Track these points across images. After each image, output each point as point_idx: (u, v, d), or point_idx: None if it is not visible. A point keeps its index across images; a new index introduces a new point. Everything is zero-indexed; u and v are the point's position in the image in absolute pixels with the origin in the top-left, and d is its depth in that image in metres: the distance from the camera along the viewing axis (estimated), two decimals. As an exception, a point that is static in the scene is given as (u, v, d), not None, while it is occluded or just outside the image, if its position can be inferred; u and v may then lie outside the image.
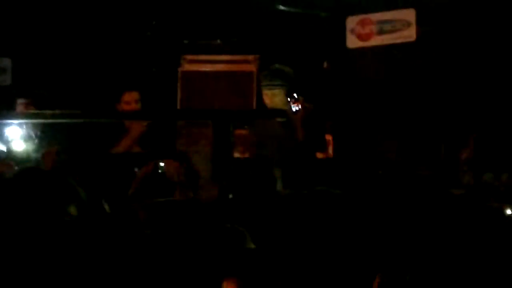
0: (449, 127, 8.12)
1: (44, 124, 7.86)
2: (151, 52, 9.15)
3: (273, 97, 7.45)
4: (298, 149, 7.18)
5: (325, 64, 9.25)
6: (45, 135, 7.87)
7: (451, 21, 8.73)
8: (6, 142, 7.90)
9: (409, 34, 8.53)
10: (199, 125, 8.11)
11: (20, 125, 7.93)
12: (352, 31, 8.85)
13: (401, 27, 8.64)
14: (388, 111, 8.46)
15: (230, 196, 5.75)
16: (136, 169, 6.61)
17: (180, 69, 8.52)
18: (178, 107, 8.45)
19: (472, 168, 7.32)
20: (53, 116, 7.52)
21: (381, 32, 8.73)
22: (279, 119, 7.43)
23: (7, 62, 9.49)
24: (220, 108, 7.89)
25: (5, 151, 8.09)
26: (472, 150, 7.51)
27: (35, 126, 7.95)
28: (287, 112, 7.53)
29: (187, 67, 8.56)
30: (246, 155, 7.46)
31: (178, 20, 9.52)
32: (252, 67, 8.36)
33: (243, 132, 7.77)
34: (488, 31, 8.54)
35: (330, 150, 8.04)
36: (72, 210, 3.50)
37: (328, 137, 8.04)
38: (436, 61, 8.65)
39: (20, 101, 8.09)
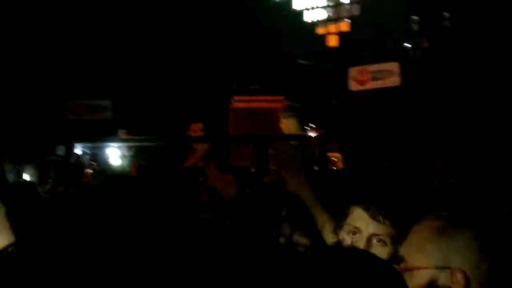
0: (425, 148, 7.91)
1: (136, 146, 8.22)
2: (210, 95, 9.29)
3: (287, 124, 7.59)
4: (315, 162, 7.12)
5: (333, 102, 9.23)
6: (135, 155, 8.18)
7: (423, 72, 8.81)
8: (107, 158, 8.24)
9: (395, 80, 8.69)
10: (244, 146, 7.97)
11: (118, 147, 8.27)
12: (353, 78, 9.00)
13: (389, 75, 8.76)
14: (379, 135, 8.32)
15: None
16: (200, 179, 6.52)
17: (230, 107, 8.52)
18: (230, 133, 8.49)
19: (441, 176, 6.91)
20: (142, 140, 8.18)
21: (374, 79, 8.86)
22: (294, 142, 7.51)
23: (108, 103, 9.62)
24: (258, 134, 7.86)
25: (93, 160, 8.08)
26: (441, 163, 7.16)
27: (129, 148, 8.27)
28: (307, 136, 7.70)
29: (235, 105, 8.53)
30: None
31: (229, 71, 9.64)
32: (280, 105, 8.26)
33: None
34: (450, 80, 8.52)
35: (340, 163, 7.91)
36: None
37: (338, 155, 8.01)
38: (413, 101, 8.64)
39: (121, 131, 8.56)
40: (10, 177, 7.39)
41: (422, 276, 1.69)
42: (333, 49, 10.56)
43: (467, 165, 7.08)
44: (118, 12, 10.27)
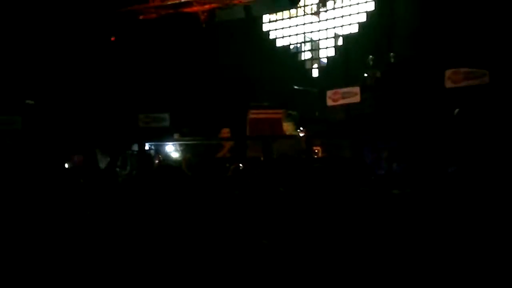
0: (376, 142, 7.81)
1: (186, 144, 8.68)
2: (235, 109, 9.30)
3: (287, 126, 8.14)
4: (304, 152, 7.58)
5: (316, 113, 9.30)
6: (185, 150, 8.67)
7: (377, 92, 8.76)
8: (166, 153, 8.68)
9: (356, 98, 8.45)
10: (257, 143, 8.11)
11: (173, 145, 8.83)
12: (329, 97, 8.70)
13: (353, 95, 8.51)
14: (347, 136, 8.31)
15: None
16: (227, 164, 7.04)
17: (248, 117, 8.71)
18: (247, 134, 8.66)
19: (387, 161, 7.12)
20: (190, 140, 8.74)
21: (343, 97, 8.56)
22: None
23: (166, 115, 9.38)
24: (266, 135, 8.08)
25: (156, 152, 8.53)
26: (388, 153, 7.19)
27: (180, 145, 8.78)
28: (297, 135, 8.33)
29: (252, 116, 8.70)
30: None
31: (248, 94, 9.90)
32: (281, 116, 8.56)
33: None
34: (393, 97, 8.45)
35: (320, 153, 8.06)
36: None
37: (319, 148, 8.16)
38: (369, 113, 8.51)
39: (175, 134, 9.00)
40: (102, 165, 7.68)
41: None
42: (316, 77, 10.94)
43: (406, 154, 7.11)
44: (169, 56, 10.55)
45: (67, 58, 9.59)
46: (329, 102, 8.98)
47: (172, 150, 8.82)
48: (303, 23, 11.40)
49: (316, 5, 11.24)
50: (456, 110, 7.15)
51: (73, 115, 9.66)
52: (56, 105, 9.68)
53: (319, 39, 11.08)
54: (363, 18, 10.60)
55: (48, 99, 9.68)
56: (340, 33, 10.90)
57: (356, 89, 8.76)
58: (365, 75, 9.20)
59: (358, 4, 10.70)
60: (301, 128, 8.33)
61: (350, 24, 10.77)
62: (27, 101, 9.72)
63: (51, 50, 9.40)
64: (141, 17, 10.09)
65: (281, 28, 11.65)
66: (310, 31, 11.31)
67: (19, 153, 7.34)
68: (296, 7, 11.09)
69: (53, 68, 9.53)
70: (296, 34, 11.47)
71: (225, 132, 8.62)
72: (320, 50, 11.03)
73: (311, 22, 11.27)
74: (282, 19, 11.60)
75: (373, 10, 10.49)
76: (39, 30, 9.30)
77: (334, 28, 10.94)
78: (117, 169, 7.64)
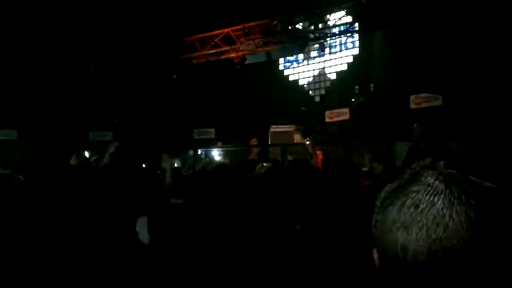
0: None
1: (226, 150, 8.73)
2: (261, 126, 9.37)
3: (296, 137, 8.11)
4: (309, 155, 6.93)
5: (318, 127, 9.38)
6: (225, 154, 8.61)
7: (361, 111, 8.86)
8: (212, 156, 8.62)
9: (346, 116, 8.86)
10: (276, 149, 7.93)
11: (217, 150, 8.79)
12: (327, 115, 9.18)
13: (344, 114, 8.97)
14: (338, 145, 8.26)
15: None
16: (255, 164, 6.87)
17: (270, 130, 8.54)
18: (269, 143, 8.52)
19: (370, 161, 6.66)
20: (229, 147, 8.80)
21: (337, 116, 9.03)
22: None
23: (212, 130, 10.04)
24: (282, 143, 7.99)
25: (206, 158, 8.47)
26: (370, 155, 6.94)
27: (222, 150, 8.75)
28: (305, 143, 7.62)
29: (273, 129, 8.48)
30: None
31: (268, 116, 9.78)
32: (293, 129, 8.46)
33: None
34: (372, 115, 8.54)
35: (321, 156, 7.51)
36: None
37: (320, 152, 7.66)
38: (356, 127, 8.61)
39: (219, 143, 9.10)
40: (169, 164, 8.26)
41: None
42: (318, 102, 11.17)
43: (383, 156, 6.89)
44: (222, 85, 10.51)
45: (144, 90, 9.94)
46: (327, 119, 9.38)
47: (216, 154, 8.98)
48: (308, 63, 11.69)
49: (317, 51, 11.49)
50: (415, 124, 7.16)
51: (148, 130, 9.95)
52: (137, 123, 10.05)
53: (319, 74, 11.36)
54: (350, 59, 10.89)
55: (131, 119, 10.09)
56: (334, 70, 11.16)
57: (346, 110, 9.06)
58: (352, 100, 9.22)
59: (347, 49, 10.98)
60: (307, 138, 8.18)
61: (341, 64, 11.04)
62: (116, 121, 10.22)
63: (133, 85, 9.80)
64: (194, 61, 10.41)
65: (292, 68, 11.94)
66: (313, 69, 11.57)
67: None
68: (303, 53, 11.30)
69: (135, 97, 9.87)
70: (303, 72, 11.75)
71: (254, 141, 8.62)
72: (320, 83, 11.34)
73: (314, 63, 11.56)
74: (293, 61, 11.90)
75: (357, 54, 10.74)
76: (125, 74, 9.75)
77: (330, 67, 11.23)
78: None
